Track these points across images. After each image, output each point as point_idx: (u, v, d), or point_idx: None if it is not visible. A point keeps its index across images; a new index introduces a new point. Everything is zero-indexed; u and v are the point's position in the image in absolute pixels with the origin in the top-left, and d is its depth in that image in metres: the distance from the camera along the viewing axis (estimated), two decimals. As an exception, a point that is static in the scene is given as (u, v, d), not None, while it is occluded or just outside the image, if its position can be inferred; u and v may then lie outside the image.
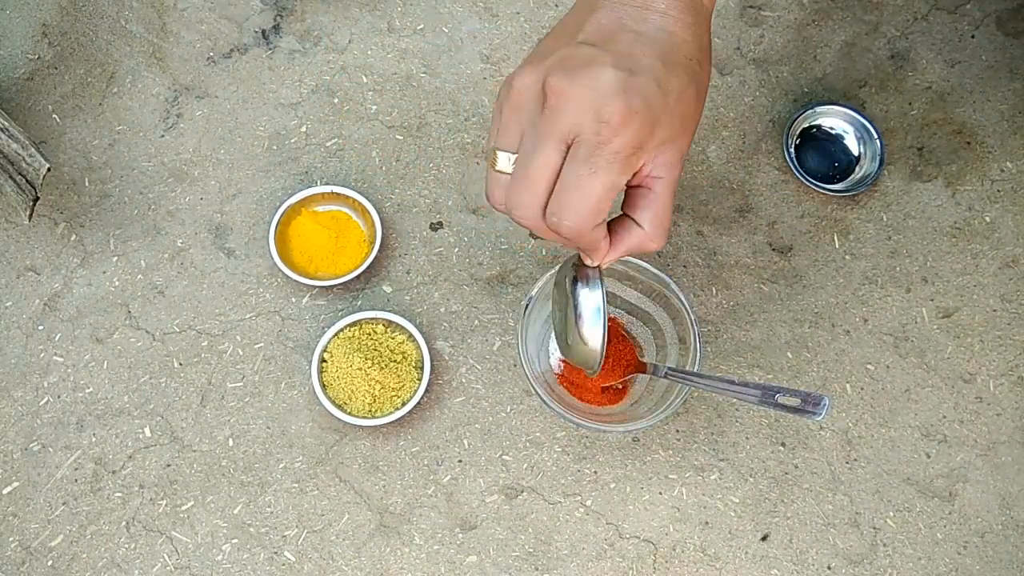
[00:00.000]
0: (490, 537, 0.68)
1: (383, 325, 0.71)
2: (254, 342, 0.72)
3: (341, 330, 0.70)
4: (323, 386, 0.69)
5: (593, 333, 0.53)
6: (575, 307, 0.53)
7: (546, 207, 0.45)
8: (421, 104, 0.78)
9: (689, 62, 0.45)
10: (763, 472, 0.70)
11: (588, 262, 0.50)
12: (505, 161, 0.46)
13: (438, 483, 0.69)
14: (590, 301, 0.52)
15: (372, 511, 0.68)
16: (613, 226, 0.49)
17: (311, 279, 0.71)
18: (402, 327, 0.70)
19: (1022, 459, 0.71)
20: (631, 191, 0.48)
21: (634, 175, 0.46)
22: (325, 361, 0.69)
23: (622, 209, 0.49)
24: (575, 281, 0.52)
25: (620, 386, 0.69)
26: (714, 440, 0.71)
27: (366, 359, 0.68)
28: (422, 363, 0.69)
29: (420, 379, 0.69)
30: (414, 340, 0.70)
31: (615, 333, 0.70)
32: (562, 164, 0.44)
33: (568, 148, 0.43)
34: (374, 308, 0.73)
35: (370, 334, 0.70)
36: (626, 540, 0.68)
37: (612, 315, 0.71)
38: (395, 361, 0.69)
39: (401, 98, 0.79)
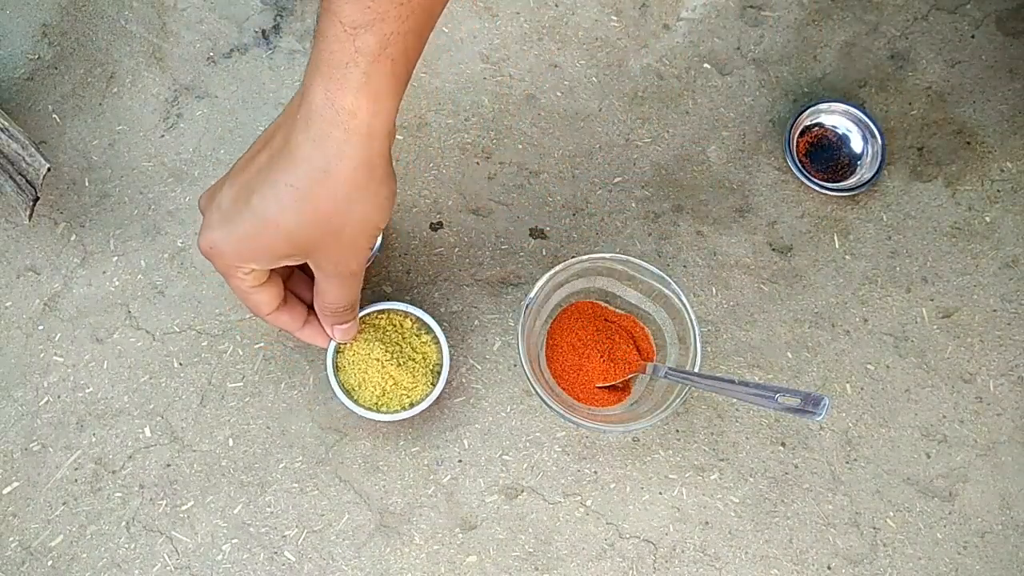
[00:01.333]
0: (490, 537, 0.68)
1: (411, 321, 0.69)
2: (254, 342, 0.72)
3: (369, 315, 0.68)
4: (336, 368, 0.67)
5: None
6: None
7: None
8: (421, 104, 0.78)
9: (307, 180, 0.48)
10: (763, 472, 0.70)
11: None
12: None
13: (438, 483, 0.69)
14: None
15: (372, 511, 0.68)
16: (312, 311, 0.62)
17: None
18: (429, 328, 0.69)
19: (1022, 459, 0.71)
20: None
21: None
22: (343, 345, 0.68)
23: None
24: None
25: (620, 386, 0.69)
26: (714, 440, 0.71)
27: (386, 351, 0.66)
28: (440, 369, 0.68)
29: (434, 384, 0.67)
30: (438, 343, 0.68)
31: (617, 333, 0.70)
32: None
33: None
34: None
35: (397, 327, 0.69)
36: (626, 540, 0.68)
37: (621, 313, 0.71)
38: (414, 360, 0.68)
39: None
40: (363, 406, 0.66)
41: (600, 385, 0.68)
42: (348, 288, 0.56)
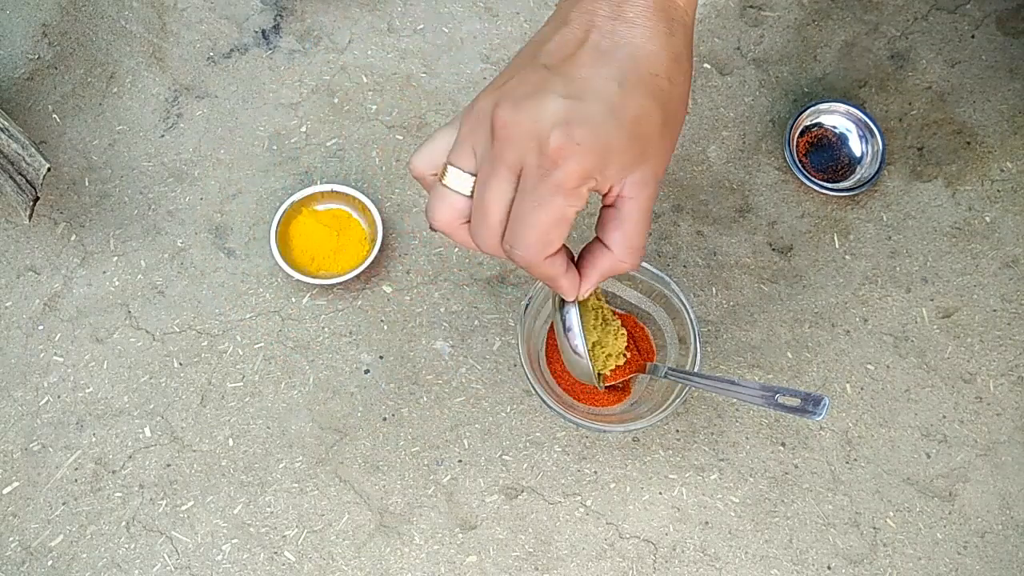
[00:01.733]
0: (490, 537, 0.68)
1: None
2: (254, 342, 0.72)
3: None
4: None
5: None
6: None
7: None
8: (421, 104, 0.78)
9: (654, 78, 0.44)
10: (763, 472, 0.70)
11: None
12: (455, 178, 0.45)
13: (438, 483, 0.69)
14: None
15: (372, 511, 0.68)
16: (585, 252, 0.48)
17: (313, 278, 0.71)
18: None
19: (1022, 459, 0.71)
20: (603, 212, 0.47)
21: (606, 195, 0.45)
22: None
23: (595, 231, 0.48)
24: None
25: (620, 386, 0.69)
26: (714, 440, 0.71)
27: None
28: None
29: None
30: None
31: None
32: (515, 195, 0.44)
33: (519, 179, 0.43)
34: (374, 307, 0.73)
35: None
36: (626, 540, 0.68)
37: (621, 313, 0.71)
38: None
39: (401, 98, 0.79)
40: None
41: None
42: (650, 219, 0.47)
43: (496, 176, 0.43)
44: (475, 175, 0.45)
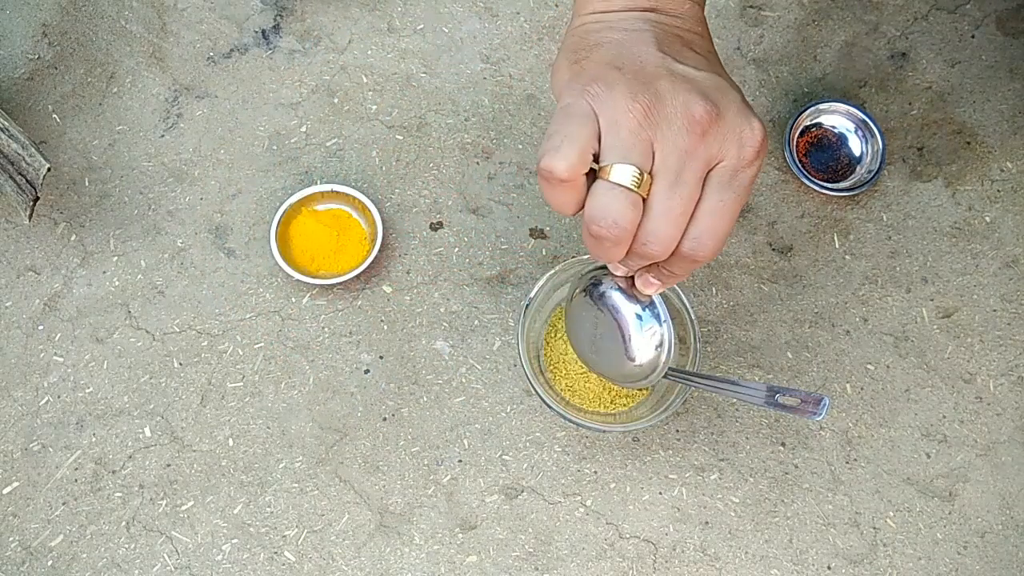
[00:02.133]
0: (490, 537, 0.68)
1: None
2: (254, 342, 0.72)
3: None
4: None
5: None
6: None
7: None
8: (421, 104, 0.78)
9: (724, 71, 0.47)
10: (763, 472, 0.70)
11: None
12: (624, 175, 0.42)
13: (438, 483, 0.69)
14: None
15: (372, 511, 0.68)
16: None
17: (313, 278, 0.71)
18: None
19: (1022, 459, 0.71)
20: None
21: None
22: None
23: None
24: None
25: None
26: (714, 440, 0.71)
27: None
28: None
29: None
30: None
31: None
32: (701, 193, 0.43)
33: (706, 175, 0.43)
34: (374, 307, 0.73)
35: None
36: (626, 540, 0.68)
37: None
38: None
39: (401, 98, 0.79)
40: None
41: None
42: None
43: (694, 173, 0.42)
44: (644, 171, 0.42)
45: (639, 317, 0.51)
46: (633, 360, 0.53)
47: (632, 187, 0.42)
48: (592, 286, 0.53)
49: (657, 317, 0.51)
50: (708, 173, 0.43)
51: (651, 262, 0.45)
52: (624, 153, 0.42)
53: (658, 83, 0.43)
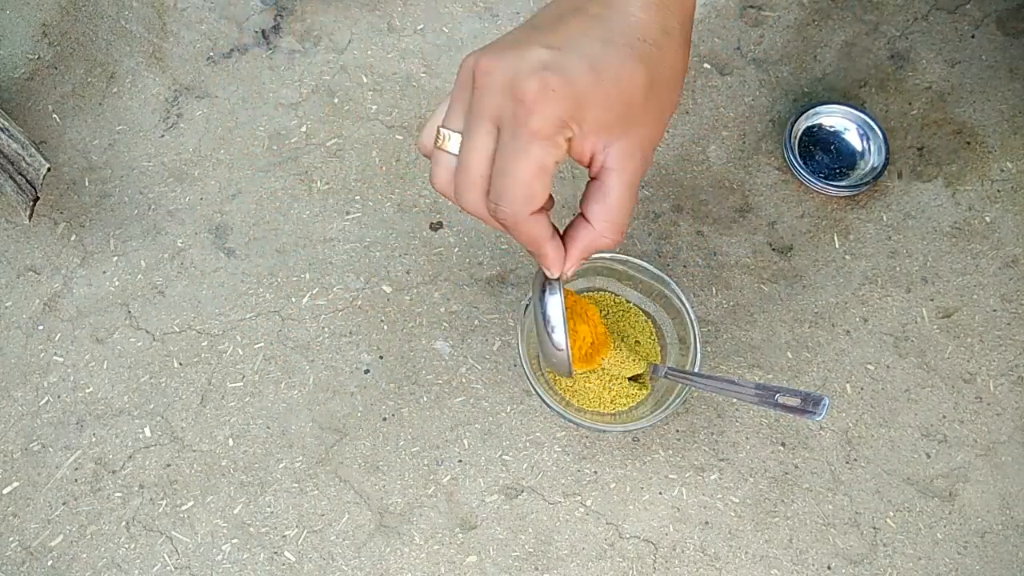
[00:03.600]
0: (490, 537, 0.68)
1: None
2: (254, 342, 0.72)
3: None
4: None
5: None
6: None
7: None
8: (421, 104, 0.78)
9: (642, 43, 0.44)
10: (763, 472, 0.70)
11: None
12: (448, 140, 0.45)
13: (438, 483, 0.69)
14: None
15: (372, 511, 0.68)
16: (568, 228, 0.48)
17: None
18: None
19: (1022, 459, 0.71)
20: (588, 186, 0.47)
21: (591, 166, 0.45)
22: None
23: (579, 207, 0.48)
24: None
25: (641, 382, 0.69)
26: (714, 440, 0.71)
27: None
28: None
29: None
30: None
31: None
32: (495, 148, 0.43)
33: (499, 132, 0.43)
34: (374, 307, 0.73)
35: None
36: (626, 540, 0.68)
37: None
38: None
39: (401, 98, 0.79)
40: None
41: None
42: (635, 195, 0.47)
43: (477, 128, 0.43)
44: (456, 131, 0.45)
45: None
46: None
47: (448, 150, 0.45)
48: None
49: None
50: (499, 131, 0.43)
51: (495, 225, 0.46)
52: (445, 118, 0.45)
53: (488, 45, 0.44)
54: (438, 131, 0.45)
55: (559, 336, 0.53)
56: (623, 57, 0.43)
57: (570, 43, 0.42)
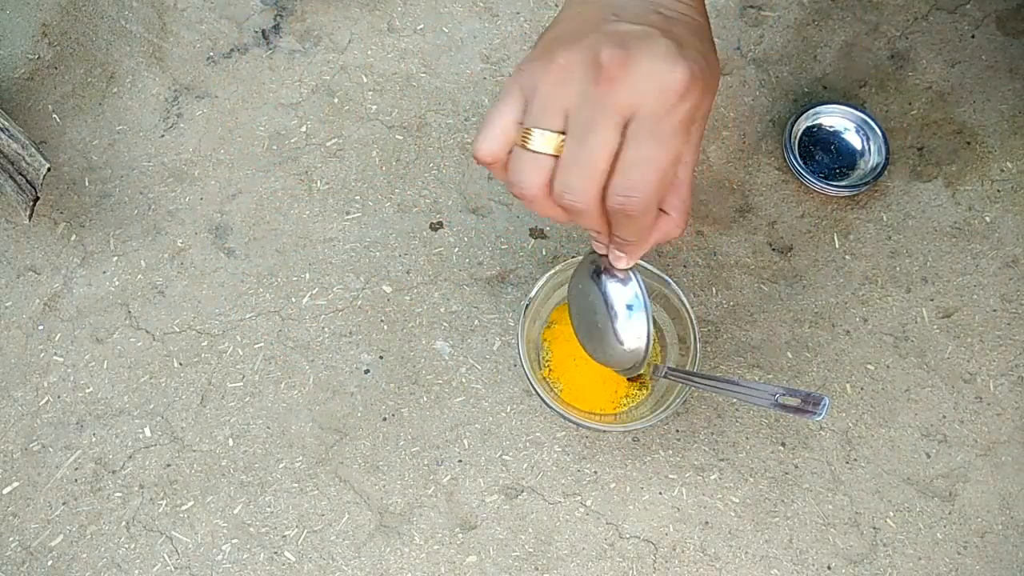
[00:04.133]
0: (490, 537, 0.68)
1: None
2: (254, 342, 0.72)
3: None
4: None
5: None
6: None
7: (605, 189, 0.43)
8: (421, 104, 0.78)
9: (713, 42, 0.46)
10: (763, 472, 0.70)
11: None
12: (542, 140, 0.43)
13: (438, 483, 0.69)
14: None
15: (372, 511, 0.68)
16: None
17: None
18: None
19: (1022, 459, 0.71)
20: None
21: None
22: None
23: None
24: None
25: (641, 383, 0.69)
26: (714, 440, 0.71)
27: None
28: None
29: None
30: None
31: None
32: (619, 143, 0.42)
33: (625, 125, 0.42)
34: (374, 307, 0.73)
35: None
36: (626, 540, 0.68)
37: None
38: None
39: (401, 98, 0.79)
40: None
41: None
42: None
43: (605, 120, 0.41)
44: (562, 133, 0.43)
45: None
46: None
47: (539, 150, 0.43)
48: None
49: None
50: (629, 123, 0.42)
51: (594, 221, 0.45)
52: (536, 118, 0.43)
53: (583, 41, 0.42)
54: (527, 132, 0.43)
55: (640, 322, 0.51)
56: (713, 52, 0.44)
57: (680, 37, 0.42)
